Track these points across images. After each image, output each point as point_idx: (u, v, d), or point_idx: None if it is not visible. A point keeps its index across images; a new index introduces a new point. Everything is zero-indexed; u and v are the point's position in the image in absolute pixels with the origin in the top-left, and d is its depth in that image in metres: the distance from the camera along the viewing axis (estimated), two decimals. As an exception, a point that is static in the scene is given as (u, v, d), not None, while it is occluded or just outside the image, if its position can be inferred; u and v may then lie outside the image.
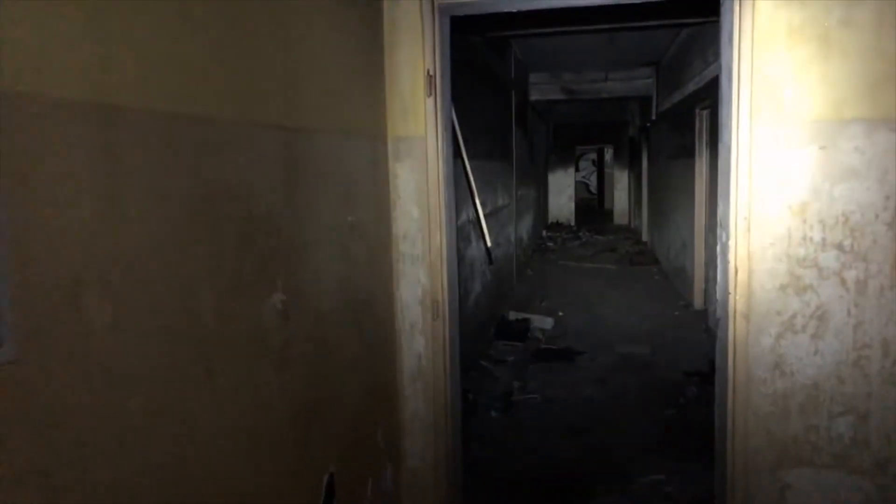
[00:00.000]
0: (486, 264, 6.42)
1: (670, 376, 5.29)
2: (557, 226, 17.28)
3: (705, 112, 7.01)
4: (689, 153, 7.78)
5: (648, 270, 10.34)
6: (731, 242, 2.32)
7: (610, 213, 19.43)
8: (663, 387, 5.07)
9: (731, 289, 2.34)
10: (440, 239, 2.53)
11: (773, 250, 2.28)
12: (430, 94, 2.46)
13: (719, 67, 2.49)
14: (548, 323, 6.98)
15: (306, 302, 1.88)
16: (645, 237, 13.48)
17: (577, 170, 23.42)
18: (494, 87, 7.39)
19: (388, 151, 2.53)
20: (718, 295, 2.51)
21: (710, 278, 6.79)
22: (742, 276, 2.31)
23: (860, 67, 2.20)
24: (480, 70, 6.27)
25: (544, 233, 15.12)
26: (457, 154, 3.45)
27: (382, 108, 2.48)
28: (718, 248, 2.52)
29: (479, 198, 6.18)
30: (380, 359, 2.49)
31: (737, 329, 2.34)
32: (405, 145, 2.53)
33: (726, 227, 2.38)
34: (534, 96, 11.76)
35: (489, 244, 3.60)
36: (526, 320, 6.82)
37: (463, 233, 5.44)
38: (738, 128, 2.27)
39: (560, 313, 7.43)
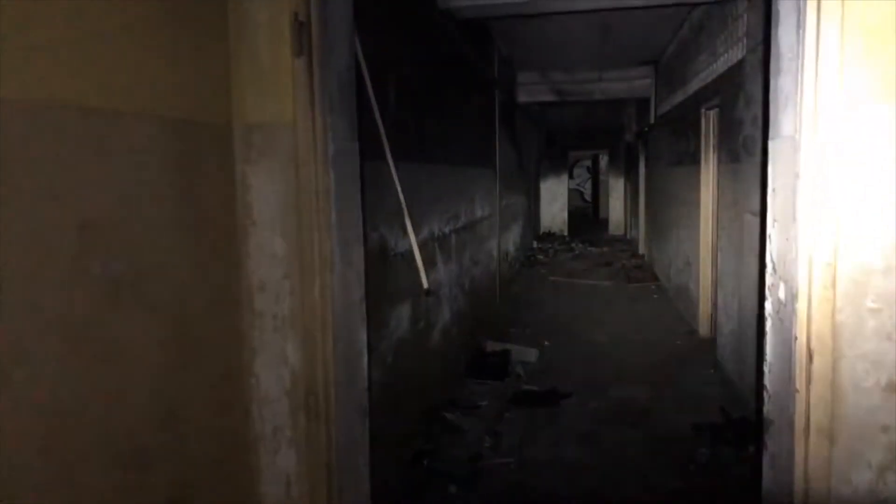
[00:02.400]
0: (456, 287, 5.46)
1: (676, 429, 4.34)
2: (549, 236, 16.39)
3: (712, 112, 6.09)
4: (692, 159, 6.86)
5: (646, 288, 9.40)
6: (801, 305, 1.36)
7: (605, 223, 18.55)
8: (668, 445, 4.11)
9: (799, 384, 1.38)
10: (321, 289, 1.57)
11: (877, 321, 1.33)
12: (301, 52, 1.50)
13: (774, 16, 1.53)
14: (531, 355, 6.01)
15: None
16: (642, 250, 12.56)
17: (571, 177, 22.57)
18: (472, 84, 6.45)
19: (235, 147, 1.56)
20: (769, 384, 1.55)
21: (718, 303, 5.85)
22: (821, 363, 1.35)
23: None
24: (451, 61, 5.33)
25: (535, 244, 14.20)
26: (378, 154, 2.49)
27: (220, 75, 1.52)
28: (768, 306, 1.56)
29: (448, 210, 5.24)
30: (210, 493, 1.51)
31: (810, 452, 1.37)
32: (262, 137, 1.57)
33: (789, 278, 1.42)
34: (522, 98, 10.85)
35: (425, 282, 2.64)
36: (505, 353, 5.85)
37: (426, 251, 4.49)
38: (816, 109, 1.31)
39: (546, 343, 6.47)
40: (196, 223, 1.45)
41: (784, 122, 1.45)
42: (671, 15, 6.96)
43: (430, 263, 4.60)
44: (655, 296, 8.87)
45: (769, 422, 1.57)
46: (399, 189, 2.48)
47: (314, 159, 1.53)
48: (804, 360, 1.39)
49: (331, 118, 1.57)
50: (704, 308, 6.56)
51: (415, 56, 4.18)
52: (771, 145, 1.56)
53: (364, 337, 1.76)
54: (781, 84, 1.47)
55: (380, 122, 2.22)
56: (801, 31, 1.36)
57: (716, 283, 6.11)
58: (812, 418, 1.38)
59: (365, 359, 1.78)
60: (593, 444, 4.16)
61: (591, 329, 7.08)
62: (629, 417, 4.57)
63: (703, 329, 6.55)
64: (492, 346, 6.10)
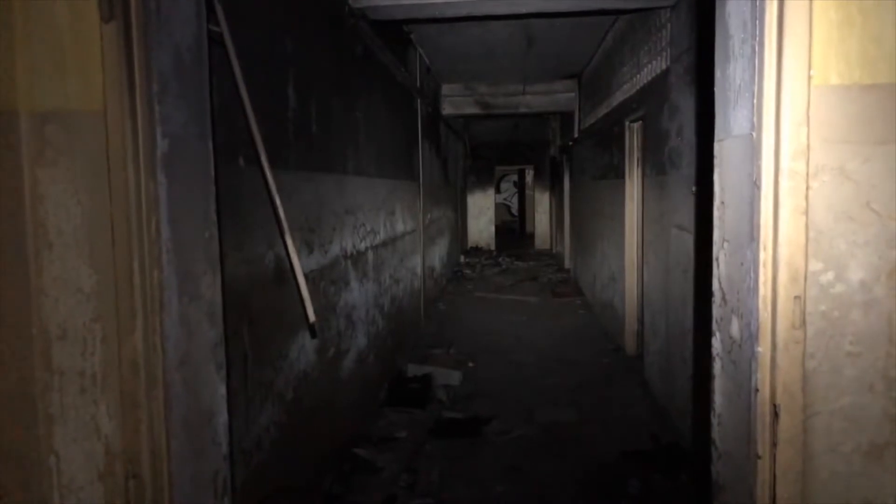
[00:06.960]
0: (374, 309, 5.08)
1: (605, 457, 4.09)
2: (477, 251, 16.26)
3: (637, 125, 5.99)
4: (617, 173, 6.76)
5: (572, 303, 9.28)
6: (763, 349, 1.08)
7: (532, 237, 18.60)
8: (598, 475, 3.86)
9: (761, 447, 1.09)
10: (145, 335, 1.17)
11: (857, 369, 1.06)
12: (113, 16, 1.12)
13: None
14: (454, 378, 5.69)
15: None
16: (567, 264, 12.53)
17: (498, 191, 22.61)
18: (393, 93, 6.12)
19: (21, 143, 1.16)
20: (719, 439, 1.27)
21: (644, 320, 5.71)
22: (789, 422, 1.07)
23: None
24: (367, 66, 4.98)
25: (462, 259, 13.99)
26: (253, 158, 2.10)
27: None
28: (717, 344, 1.28)
29: (364, 224, 4.87)
30: None
31: (777, 535, 1.08)
32: (61, 129, 1.17)
33: (744, 312, 1.14)
34: (447, 110, 10.63)
35: (311, 317, 2.27)
36: (427, 377, 5.50)
37: (337, 271, 4.10)
38: (779, 99, 1.03)
39: (470, 364, 6.17)
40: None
41: (737, 119, 1.18)
42: (594, 26, 6.88)
43: (342, 282, 4.21)
44: (581, 311, 8.76)
45: (719, 487, 1.29)
46: (277, 200, 2.10)
47: (134, 159, 1.14)
48: (768, 418, 1.10)
49: (161, 106, 1.18)
50: (630, 325, 6.43)
51: (322, 56, 3.81)
52: (718, 148, 1.29)
53: (221, 391, 1.37)
54: (732, 73, 1.19)
55: (251, 115, 1.84)
56: (757, 2, 1.09)
57: (642, 300, 5.99)
58: (779, 492, 1.10)
59: (223, 420, 1.39)
60: (520, 478, 3.86)
61: (517, 347, 6.84)
62: (557, 445, 4.31)
63: (630, 346, 6.41)
64: (413, 369, 5.74)
